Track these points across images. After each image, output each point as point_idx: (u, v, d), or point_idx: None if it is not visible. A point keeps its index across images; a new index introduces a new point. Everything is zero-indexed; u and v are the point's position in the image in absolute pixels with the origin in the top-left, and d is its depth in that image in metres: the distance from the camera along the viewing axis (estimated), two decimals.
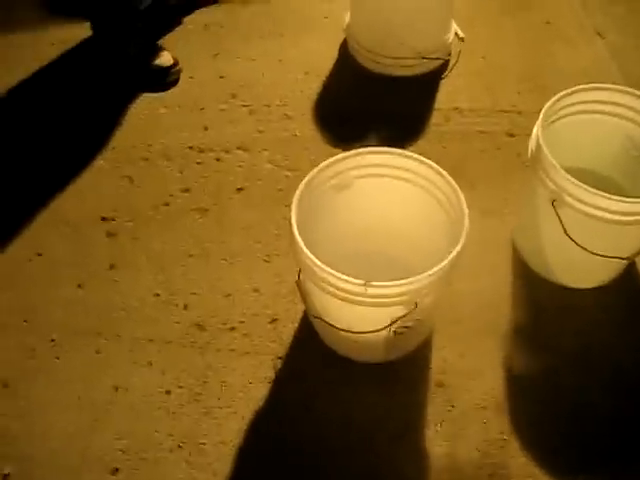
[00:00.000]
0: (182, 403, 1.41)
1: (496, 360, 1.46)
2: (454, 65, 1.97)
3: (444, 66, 1.98)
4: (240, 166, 1.77)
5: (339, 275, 1.19)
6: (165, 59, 1.94)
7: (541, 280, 1.57)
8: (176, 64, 1.95)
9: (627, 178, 1.56)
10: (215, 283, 1.57)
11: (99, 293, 1.56)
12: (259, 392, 1.42)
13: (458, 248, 1.22)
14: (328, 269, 1.20)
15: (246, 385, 1.43)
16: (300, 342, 1.49)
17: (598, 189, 1.32)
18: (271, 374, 1.44)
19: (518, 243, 1.62)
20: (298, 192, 1.30)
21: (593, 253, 1.40)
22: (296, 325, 1.51)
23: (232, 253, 1.62)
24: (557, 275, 1.56)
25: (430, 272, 1.20)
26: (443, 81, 1.95)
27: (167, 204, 1.69)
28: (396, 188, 1.42)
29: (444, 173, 1.33)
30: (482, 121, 1.85)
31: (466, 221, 1.25)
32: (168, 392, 1.42)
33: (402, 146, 1.75)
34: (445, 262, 1.21)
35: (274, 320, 1.51)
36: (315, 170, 1.34)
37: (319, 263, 1.21)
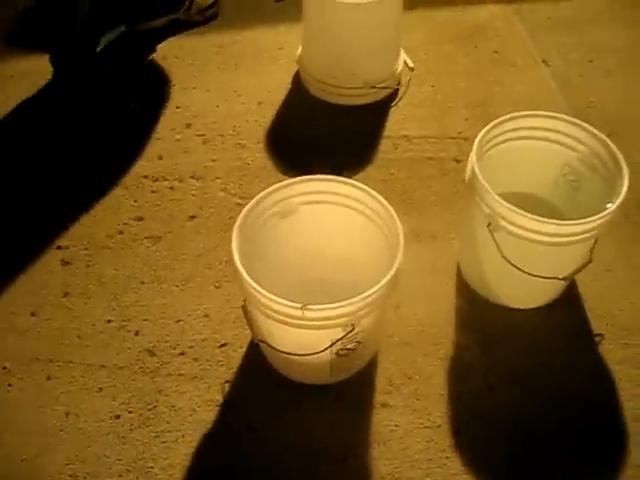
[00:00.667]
0: (132, 427, 1.42)
1: (440, 382, 1.49)
2: (404, 94, 2.02)
3: (394, 95, 2.04)
4: (193, 194, 1.80)
5: (278, 300, 1.23)
6: None
7: (484, 302, 1.61)
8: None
9: (565, 202, 1.61)
10: (166, 309, 1.59)
11: (53, 320, 1.58)
12: (207, 416, 1.44)
13: (392, 272, 1.26)
14: (267, 294, 1.24)
15: (195, 409, 1.45)
16: (248, 366, 1.51)
17: (537, 213, 1.37)
18: (219, 398, 1.46)
19: (461, 266, 1.67)
20: (239, 220, 1.34)
21: (530, 274, 1.45)
22: (244, 350, 1.53)
23: (183, 279, 1.64)
24: (499, 297, 1.60)
25: (365, 295, 1.24)
26: (392, 109, 2.00)
27: (121, 232, 1.72)
28: (339, 215, 1.46)
29: (382, 199, 1.38)
30: (430, 148, 1.90)
31: (401, 246, 1.29)
32: (118, 417, 1.43)
33: (352, 173, 1.81)
34: (379, 285, 1.25)
35: (223, 345, 1.54)
36: (256, 198, 1.38)
37: (259, 288, 1.24)
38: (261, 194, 1.38)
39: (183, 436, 1.41)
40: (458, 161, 1.86)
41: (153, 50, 2.12)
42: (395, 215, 1.34)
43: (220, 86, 2.06)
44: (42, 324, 1.57)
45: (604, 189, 1.48)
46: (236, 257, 1.28)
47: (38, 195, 1.81)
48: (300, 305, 1.22)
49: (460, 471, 1.36)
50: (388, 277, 1.25)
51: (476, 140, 1.46)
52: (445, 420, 1.43)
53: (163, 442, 1.40)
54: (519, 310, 1.60)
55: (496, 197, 1.37)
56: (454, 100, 2.02)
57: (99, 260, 1.68)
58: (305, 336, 1.31)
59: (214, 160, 1.87)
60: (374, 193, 1.40)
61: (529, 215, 1.34)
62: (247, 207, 1.36)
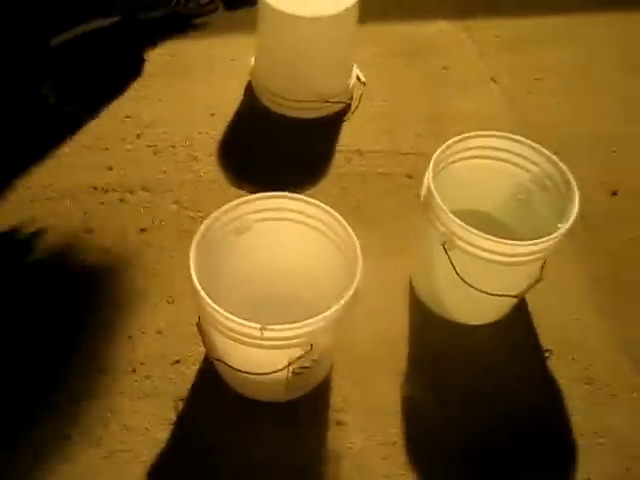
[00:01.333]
0: (84, 448, 1.39)
1: (394, 398, 1.50)
2: (356, 108, 2.03)
3: (346, 109, 2.05)
4: (144, 207, 1.77)
5: (236, 319, 1.22)
6: None
7: (438, 318, 1.63)
8: None
9: (515, 220, 1.65)
10: (117, 325, 1.56)
11: None
12: (161, 435, 1.41)
13: (350, 293, 1.26)
14: (226, 313, 1.22)
15: (148, 428, 1.42)
16: (202, 383, 1.49)
17: (489, 231, 1.39)
18: (172, 416, 1.44)
19: (415, 282, 1.68)
20: (197, 236, 1.32)
21: (484, 292, 1.48)
22: (198, 367, 1.51)
23: (135, 294, 1.61)
24: (452, 313, 1.62)
25: (324, 315, 1.23)
26: (345, 124, 2.01)
27: (70, 244, 1.69)
28: (295, 231, 1.46)
29: (339, 217, 1.38)
30: (382, 163, 1.92)
31: (359, 265, 1.30)
32: (68, 437, 1.40)
33: (304, 187, 1.81)
34: (338, 306, 1.25)
35: (176, 362, 1.51)
36: (214, 215, 1.36)
37: (217, 307, 1.23)
38: (218, 211, 1.36)
39: (137, 456, 1.38)
40: (411, 177, 1.87)
41: (153, 43, 2.14)
42: (352, 232, 1.34)
43: (171, 96, 2.03)
44: None
45: (552, 207, 1.52)
46: (194, 275, 1.26)
47: None
48: (259, 325, 1.21)
49: None
50: (347, 297, 1.25)
51: (432, 159, 1.48)
52: (400, 437, 1.44)
53: (115, 462, 1.37)
54: (471, 326, 1.63)
55: (452, 217, 1.39)
56: (405, 115, 2.05)
57: None
58: (262, 355, 1.30)
59: (165, 172, 1.84)
60: (329, 209, 1.40)
61: (485, 235, 1.36)
62: (205, 223, 1.34)
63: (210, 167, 1.87)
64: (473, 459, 1.43)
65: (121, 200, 1.77)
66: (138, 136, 1.92)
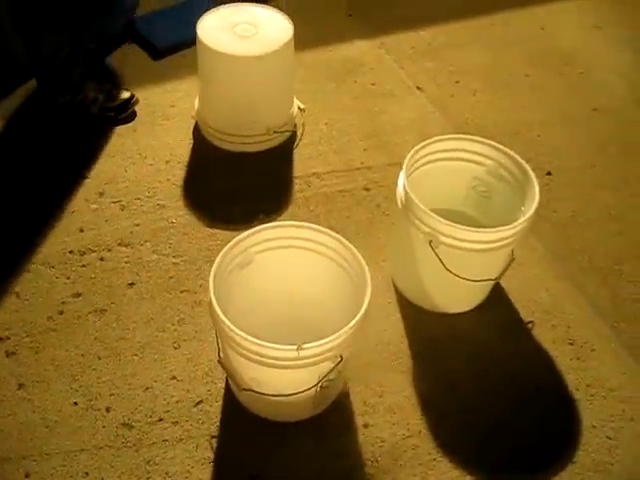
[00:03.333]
0: None
1: (408, 393, 1.60)
2: (302, 134, 2.15)
3: (293, 137, 2.15)
4: (126, 262, 1.80)
5: (272, 345, 1.29)
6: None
7: (427, 312, 1.75)
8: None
9: (478, 211, 1.80)
10: (131, 379, 1.58)
11: (14, 415, 1.51)
12: (204, 474, 1.45)
13: (368, 296, 1.36)
14: (260, 342, 1.29)
15: (189, 471, 1.45)
16: (229, 417, 1.54)
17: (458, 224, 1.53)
18: (210, 454, 1.48)
19: (398, 283, 1.80)
20: (212, 273, 1.38)
21: (470, 280, 1.61)
22: (221, 402, 1.56)
23: (140, 347, 1.64)
24: (440, 305, 1.75)
25: (351, 324, 1.33)
26: (295, 151, 2.12)
27: (61, 312, 1.68)
28: (295, 257, 1.54)
29: (337, 236, 1.48)
30: (339, 181, 2.03)
31: (367, 272, 1.40)
32: None
33: (274, 216, 1.89)
34: (361, 312, 1.34)
35: (199, 402, 1.56)
36: (223, 251, 1.42)
37: (251, 338, 1.29)
38: (223, 250, 1.43)
39: None
40: (368, 189, 2.00)
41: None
42: (351, 246, 1.45)
43: (123, 150, 2.07)
44: (4, 421, 1.50)
45: (513, 195, 1.68)
46: (219, 312, 1.32)
47: None
48: (296, 346, 1.28)
49: (450, 467, 1.48)
50: (366, 302, 1.35)
51: (402, 171, 1.61)
52: (423, 426, 1.55)
53: None
54: (458, 314, 1.76)
55: (437, 217, 1.52)
56: (349, 134, 2.17)
57: (46, 344, 1.63)
58: (295, 375, 1.37)
59: (137, 224, 1.88)
60: (327, 230, 1.49)
61: (470, 229, 1.51)
62: (217, 260, 1.40)
63: (179, 212, 1.91)
64: (491, 433, 1.55)
65: (101, 259, 1.79)
66: (101, 194, 1.94)
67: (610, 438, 1.55)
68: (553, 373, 1.66)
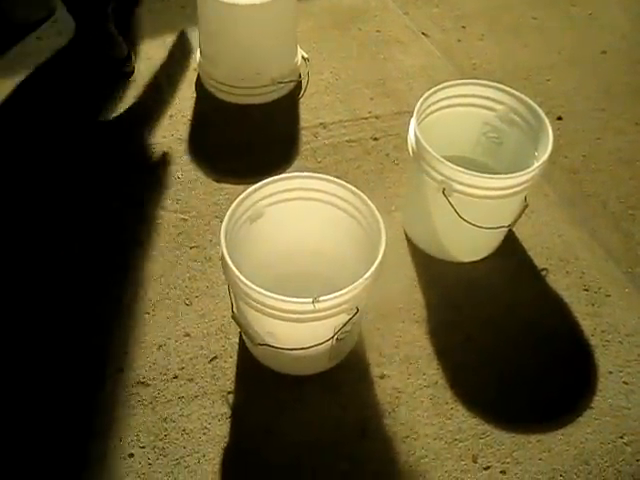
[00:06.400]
0: (149, 462, 1.41)
1: (424, 343, 1.59)
2: (307, 84, 2.10)
3: (298, 87, 2.11)
4: (133, 219, 1.77)
5: (288, 299, 1.27)
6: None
7: (439, 261, 1.73)
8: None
9: (489, 157, 1.77)
10: (143, 337, 1.57)
11: None
12: (221, 430, 1.45)
13: (383, 246, 1.34)
14: (275, 295, 1.27)
15: (207, 427, 1.45)
16: (245, 373, 1.54)
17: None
18: (226, 410, 1.48)
19: (411, 233, 1.78)
20: (223, 227, 1.36)
21: (484, 227, 1.59)
22: (235, 358, 1.55)
23: (152, 305, 1.62)
24: (453, 254, 1.73)
25: (366, 275, 1.31)
26: (301, 101, 2.08)
27: None
28: (308, 209, 1.51)
29: (344, 183, 1.45)
30: (347, 131, 2.00)
31: (382, 225, 1.37)
32: (132, 455, 1.41)
33: (282, 168, 1.87)
34: (376, 263, 1.32)
35: (213, 359, 1.55)
36: (233, 205, 1.40)
37: (267, 292, 1.27)
38: (237, 200, 1.40)
39: (204, 455, 1.41)
40: (376, 139, 1.97)
41: None
42: (364, 197, 1.42)
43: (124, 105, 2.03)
44: None
45: (525, 140, 1.65)
46: (233, 268, 1.30)
47: None
48: (311, 299, 1.27)
49: (467, 416, 1.48)
50: (381, 252, 1.33)
51: (412, 118, 1.57)
52: (440, 376, 1.54)
53: (186, 467, 1.40)
54: (471, 262, 1.74)
55: (450, 164, 1.48)
56: (355, 82, 2.13)
57: None
58: (310, 329, 1.36)
59: (142, 181, 1.85)
60: (333, 178, 1.46)
61: (485, 175, 1.48)
62: (227, 214, 1.37)
63: (185, 167, 1.88)
64: (508, 380, 1.55)
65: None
66: None
67: (627, 383, 1.55)
68: (568, 320, 1.65)
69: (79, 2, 2.05)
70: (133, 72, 2.11)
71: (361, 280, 1.30)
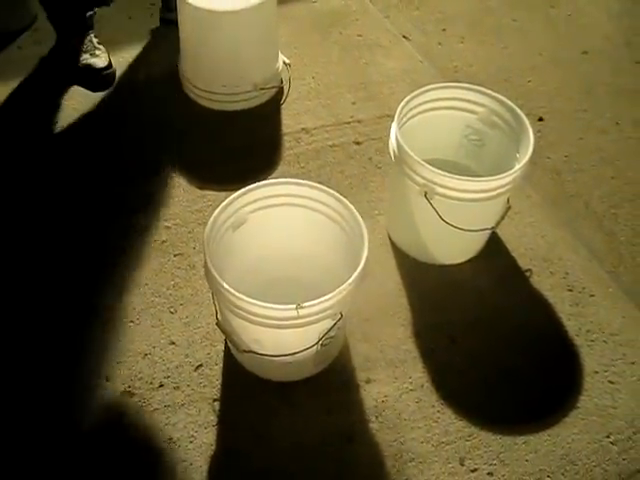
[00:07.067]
0: (138, 475, 1.40)
1: (409, 347, 1.59)
2: (289, 90, 2.10)
3: (280, 93, 2.11)
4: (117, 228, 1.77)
5: (270, 305, 1.27)
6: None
7: (423, 264, 1.74)
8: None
9: (471, 160, 1.78)
10: (129, 346, 1.56)
11: None
12: (208, 438, 1.44)
13: (366, 251, 1.34)
14: (257, 302, 1.27)
15: (193, 435, 1.44)
16: (230, 380, 1.53)
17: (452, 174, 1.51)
18: (213, 417, 1.47)
19: (394, 237, 1.78)
20: (205, 235, 1.36)
21: (467, 230, 1.59)
22: (221, 365, 1.55)
23: (136, 313, 1.62)
24: (436, 257, 1.73)
25: (350, 281, 1.31)
26: (283, 107, 2.07)
27: None
28: (289, 215, 1.51)
29: (333, 192, 1.45)
30: (330, 136, 2.00)
31: (364, 230, 1.38)
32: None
33: (265, 174, 1.86)
34: (360, 268, 1.33)
35: (199, 366, 1.54)
36: (215, 212, 1.40)
37: (248, 299, 1.27)
38: (219, 207, 1.40)
39: (191, 464, 1.40)
40: (359, 143, 1.97)
41: None
42: (347, 202, 1.43)
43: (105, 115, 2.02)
44: None
45: (506, 142, 1.66)
46: (215, 274, 1.30)
47: None
48: (295, 305, 1.27)
49: (454, 419, 1.48)
50: (364, 258, 1.33)
51: (393, 122, 1.58)
52: (426, 379, 1.54)
53: (175, 477, 1.39)
54: (455, 265, 1.74)
55: (431, 168, 1.49)
56: (336, 87, 2.13)
57: None
58: (295, 335, 1.36)
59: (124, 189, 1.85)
60: (315, 184, 1.47)
61: (466, 178, 1.48)
62: (209, 221, 1.37)
63: (168, 175, 1.87)
64: (493, 382, 1.55)
65: None
66: None
67: (612, 382, 1.55)
68: (553, 320, 1.66)
69: (60, 11, 2.06)
70: (114, 80, 2.10)
71: (344, 285, 1.30)
